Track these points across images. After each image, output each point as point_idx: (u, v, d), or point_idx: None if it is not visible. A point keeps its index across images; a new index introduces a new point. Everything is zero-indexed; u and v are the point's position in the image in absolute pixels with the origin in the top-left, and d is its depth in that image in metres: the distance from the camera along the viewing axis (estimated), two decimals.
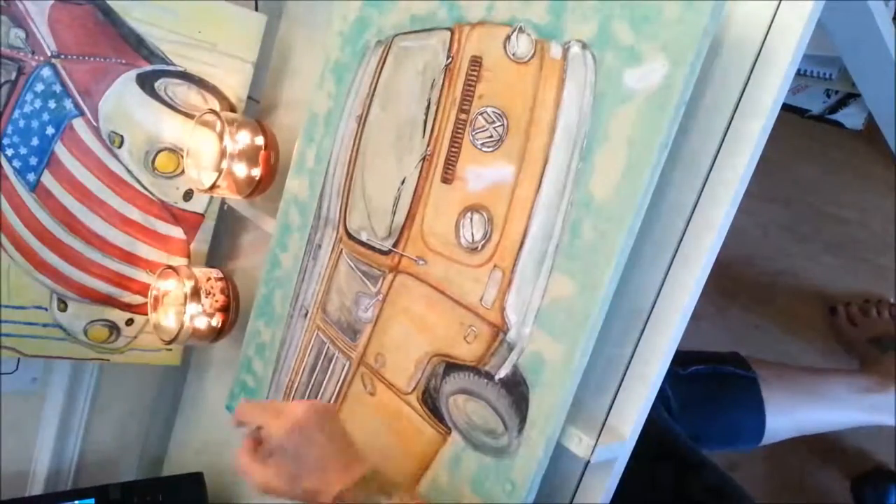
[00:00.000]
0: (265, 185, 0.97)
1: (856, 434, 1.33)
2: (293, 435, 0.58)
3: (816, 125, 1.30)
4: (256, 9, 1.02)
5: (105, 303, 1.02)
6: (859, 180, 1.34)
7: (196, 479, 1.11)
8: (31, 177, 0.92)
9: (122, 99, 0.94)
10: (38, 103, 0.89)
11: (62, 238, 0.96)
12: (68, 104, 0.91)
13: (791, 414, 1.13)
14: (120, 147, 0.96)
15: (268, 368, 0.89)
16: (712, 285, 0.60)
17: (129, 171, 0.98)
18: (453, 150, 0.69)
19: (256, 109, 1.07)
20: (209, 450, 1.16)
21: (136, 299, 1.04)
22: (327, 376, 0.81)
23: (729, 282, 1.41)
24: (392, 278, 0.74)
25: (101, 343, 1.04)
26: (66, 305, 0.99)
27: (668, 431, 0.85)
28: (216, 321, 1.00)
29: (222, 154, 0.92)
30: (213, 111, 0.95)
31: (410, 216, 0.73)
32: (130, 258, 1.02)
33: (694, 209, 0.59)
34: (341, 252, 0.80)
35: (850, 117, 1.25)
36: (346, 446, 0.60)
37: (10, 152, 0.89)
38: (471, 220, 0.67)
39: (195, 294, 0.97)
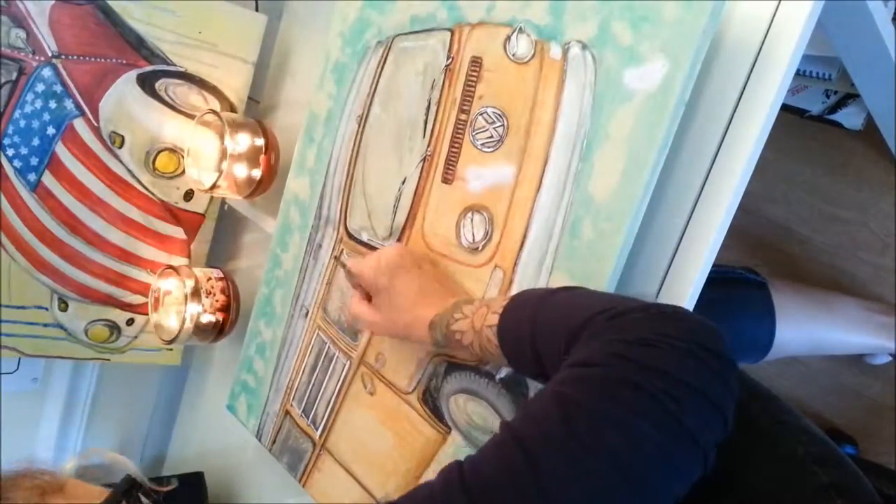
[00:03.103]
0: (265, 186, 0.97)
1: (816, 400, 1.34)
2: (386, 268, 0.64)
3: (816, 125, 1.30)
4: (257, 9, 1.03)
5: (105, 303, 1.02)
6: (859, 180, 1.34)
7: (196, 479, 1.11)
8: (32, 177, 0.92)
9: (123, 99, 0.94)
10: (38, 103, 0.89)
11: (63, 238, 0.96)
12: (69, 104, 0.91)
13: (802, 325, 1.08)
14: (120, 147, 0.96)
15: (268, 368, 0.89)
16: None
17: (129, 172, 0.98)
18: (454, 150, 0.69)
19: (256, 110, 1.07)
20: (209, 450, 1.16)
21: (137, 299, 1.04)
22: (328, 376, 0.81)
23: None
24: None
25: (102, 343, 1.04)
26: (66, 305, 0.99)
27: None
28: (217, 321, 1.00)
29: (223, 154, 0.92)
30: (213, 111, 0.95)
31: (411, 216, 0.73)
32: (131, 258, 1.02)
33: (693, 209, 0.59)
34: (342, 252, 0.80)
35: (850, 117, 1.25)
36: (435, 281, 0.65)
37: (10, 152, 0.90)
38: (471, 220, 0.67)
39: (195, 294, 0.97)
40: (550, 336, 0.48)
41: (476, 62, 0.68)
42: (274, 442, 0.88)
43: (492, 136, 0.66)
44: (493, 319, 0.53)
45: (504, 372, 0.64)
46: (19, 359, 1.01)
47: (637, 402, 0.37)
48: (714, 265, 0.59)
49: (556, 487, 0.36)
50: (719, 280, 0.94)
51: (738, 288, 1.06)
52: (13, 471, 0.61)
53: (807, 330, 1.10)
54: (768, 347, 1.04)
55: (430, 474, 0.70)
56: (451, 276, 0.67)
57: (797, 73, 1.13)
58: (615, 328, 0.43)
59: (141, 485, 0.65)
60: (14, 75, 0.87)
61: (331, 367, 0.81)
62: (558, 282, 0.60)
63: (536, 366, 0.50)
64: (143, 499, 0.64)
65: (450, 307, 0.59)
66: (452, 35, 0.70)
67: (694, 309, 0.58)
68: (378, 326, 0.66)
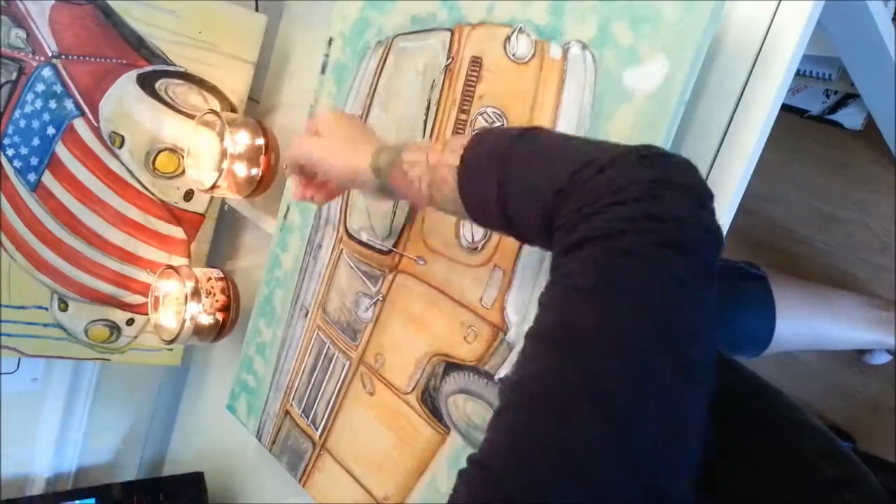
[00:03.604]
0: (265, 185, 0.97)
1: (816, 400, 1.34)
2: (335, 116, 0.64)
3: (816, 125, 1.30)
4: (257, 9, 1.02)
5: (106, 303, 1.02)
6: (859, 180, 1.34)
7: (196, 479, 1.11)
8: (32, 177, 0.92)
9: (123, 99, 0.94)
10: (38, 103, 0.89)
11: (63, 238, 0.96)
12: (69, 104, 0.91)
13: (801, 320, 1.08)
14: (120, 147, 0.96)
15: (268, 368, 0.89)
16: None
17: (129, 172, 0.98)
18: None
19: (256, 110, 1.07)
20: (209, 450, 1.16)
21: (137, 299, 1.04)
22: (327, 376, 0.81)
23: None
24: (392, 278, 0.74)
25: (102, 343, 1.04)
26: (66, 305, 0.99)
27: None
28: (217, 321, 1.00)
29: (223, 154, 0.92)
30: (213, 111, 0.95)
31: (411, 216, 0.73)
32: (131, 258, 1.02)
33: None
34: (342, 252, 0.80)
35: (850, 117, 1.25)
36: (370, 128, 0.65)
37: (10, 152, 0.90)
38: None
39: (195, 294, 0.97)
40: (524, 194, 0.46)
41: (476, 62, 0.68)
42: (274, 442, 0.88)
43: None
44: (453, 159, 0.50)
45: (504, 372, 0.64)
46: (19, 359, 1.01)
47: (675, 258, 0.38)
48: None
49: (612, 360, 0.36)
50: (720, 273, 0.94)
51: (738, 281, 1.06)
52: None
53: (806, 324, 1.10)
54: (768, 341, 1.04)
55: (430, 474, 0.70)
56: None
57: (797, 73, 1.13)
58: (610, 187, 0.41)
59: None
60: (14, 75, 0.87)
61: (330, 368, 0.81)
62: None
63: (503, 220, 0.48)
64: None
65: (396, 143, 0.58)
66: (452, 35, 0.70)
67: None
68: (319, 147, 0.62)
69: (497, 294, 0.65)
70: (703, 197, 0.42)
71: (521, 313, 0.63)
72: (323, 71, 0.67)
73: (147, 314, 1.04)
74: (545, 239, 0.46)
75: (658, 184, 0.40)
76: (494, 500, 0.34)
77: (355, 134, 0.62)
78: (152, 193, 1.00)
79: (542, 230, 0.45)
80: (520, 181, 0.46)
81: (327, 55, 0.69)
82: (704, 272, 0.39)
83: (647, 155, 0.43)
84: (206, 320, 0.99)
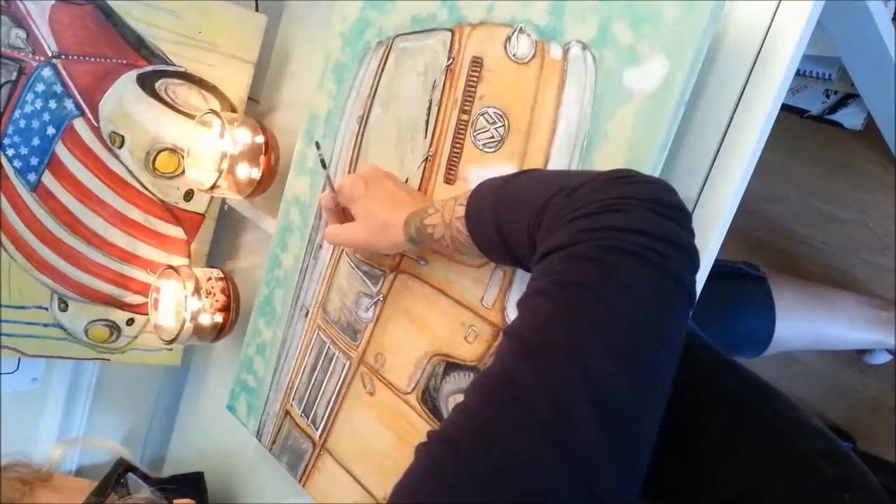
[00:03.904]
0: (265, 185, 0.97)
1: (816, 400, 1.34)
2: (362, 177, 0.68)
3: (816, 125, 1.30)
4: (256, 9, 1.03)
5: (106, 303, 1.02)
6: (859, 180, 1.34)
7: (196, 479, 1.11)
8: (32, 177, 0.92)
9: (123, 99, 0.94)
10: (38, 103, 0.89)
11: (63, 238, 0.96)
12: (69, 104, 0.91)
13: (801, 320, 1.09)
14: (120, 147, 0.96)
15: (268, 368, 0.89)
16: None
17: (129, 172, 0.98)
18: (455, 150, 0.69)
19: (256, 110, 1.07)
20: (209, 450, 1.16)
21: (137, 299, 1.04)
22: (327, 376, 0.81)
23: None
24: (393, 278, 0.74)
25: (102, 343, 1.04)
26: (66, 305, 0.99)
27: (694, 334, 0.83)
28: (217, 321, 1.00)
29: (223, 154, 0.92)
30: (213, 111, 0.95)
31: None
32: (131, 258, 1.02)
33: (694, 209, 0.59)
34: (342, 252, 0.80)
35: (850, 117, 1.25)
36: (409, 189, 0.70)
37: (10, 152, 0.90)
38: None
39: (195, 294, 0.97)
40: (514, 222, 0.50)
41: (477, 62, 0.68)
42: (274, 442, 0.88)
43: (493, 137, 0.66)
44: (460, 211, 0.55)
45: None
46: (19, 359, 1.01)
47: (628, 263, 0.39)
48: (714, 259, 0.59)
49: (573, 362, 0.37)
50: (719, 274, 0.93)
51: (737, 282, 1.06)
52: None
53: (806, 324, 1.11)
54: (768, 342, 1.04)
55: None
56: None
57: (797, 73, 1.13)
58: (575, 205, 0.44)
59: (134, 468, 0.65)
60: (14, 75, 0.87)
61: (331, 367, 0.81)
62: None
63: (506, 251, 0.52)
64: (138, 481, 0.64)
65: (422, 206, 0.62)
66: (453, 35, 0.70)
67: (697, 301, 0.58)
68: (356, 234, 0.68)
69: (498, 294, 0.65)
70: (674, 214, 0.43)
71: None
72: (324, 166, 0.71)
73: (147, 314, 1.04)
74: (531, 257, 0.48)
75: (622, 199, 0.42)
76: (461, 475, 0.36)
77: (384, 214, 0.66)
78: (152, 193, 1.01)
79: (529, 249, 0.48)
80: (508, 215, 0.51)
81: (321, 154, 0.73)
82: (672, 283, 0.40)
83: (620, 176, 0.45)
84: (206, 320, 0.99)
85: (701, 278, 0.59)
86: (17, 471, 0.65)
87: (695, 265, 0.43)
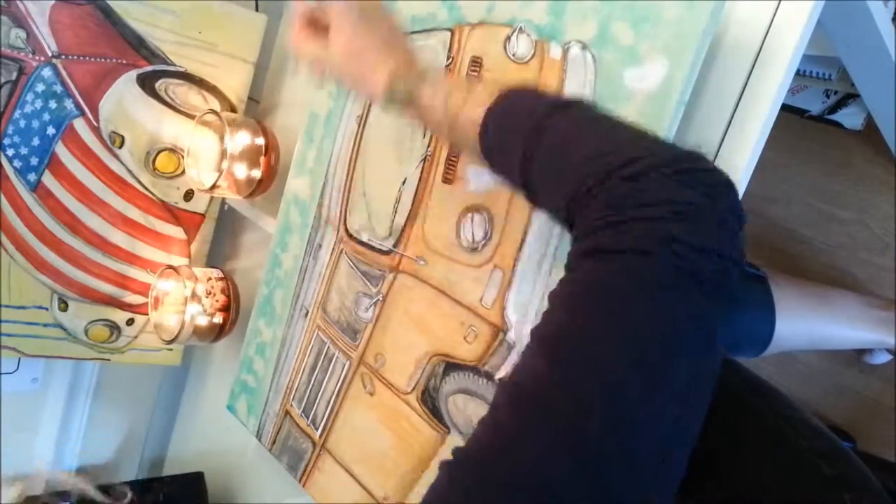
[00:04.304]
0: (265, 185, 0.97)
1: (816, 400, 1.34)
2: (358, 5, 0.55)
3: (816, 125, 1.30)
4: (257, 9, 1.03)
5: (106, 303, 1.02)
6: (859, 180, 1.34)
7: (196, 479, 1.11)
8: (32, 177, 0.92)
9: (123, 99, 0.94)
10: (38, 103, 0.89)
11: (63, 238, 0.96)
12: (69, 104, 0.91)
13: (801, 320, 1.08)
14: (120, 147, 0.96)
15: (268, 368, 0.89)
16: None
17: (129, 172, 0.98)
18: (454, 150, 0.69)
19: (256, 110, 1.07)
20: (209, 450, 1.16)
21: (137, 299, 1.04)
22: (327, 376, 0.81)
23: None
24: (392, 278, 0.74)
25: (102, 343, 1.04)
26: (66, 305, 0.99)
27: None
28: (217, 321, 1.00)
29: (222, 154, 0.92)
30: (213, 111, 0.95)
31: (411, 216, 0.73)
32: (131, 258, 1.02)
33: None
34: (342, 252, 0.80)
35: (850, 117, 1.25)
36: (401, 34, 0.57)
37: (10, 152, 0.90)
38: (471, 220, 0.67)
39: (195, 294, 0.97)
40: (551, 175, 0.44)
41: (476, 62, 0.68)
42: (274, 442, 0.88)
43: None
44: (477, 115, 0.48)
45: (504, 372, 0.64)
46: (19, 359, 1.01)
47: (698, 287, 0.36)
48: None
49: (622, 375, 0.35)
50: None
51: (739, 280, 1.06)
52: None
53: (806, 324, 1.10)
54: (768, 341, 1.04)
55: (430, 474, 0.70)
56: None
57: (797, 73, 1.13)
58: (639, 199, 0.38)
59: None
60: (14, 75, 0.87)
61: (330, 367, 0.81)
62: None
63: (517, 186, 0.47)
64: None
65: (419, 69, 0.55)
66: (452, 35, 0.70)
67: None
68: (329, 54, 0.56)
69: (497, 294, 0.65)
70: (739, 225, 0.40)
71: (521, 313, 0.63)
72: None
73: (147, 314, 1.04)
74: (563, 223, 0.44)
75: (695, 207, 0.38)
76: (483, 491, 0.34)
77: (371, 46, 0.55)
78: (152, 193, 1.00)
79: (562, 216, 0.43)
80: (548, 161, 0.44)
81: None
82: (720, 306, 0.38)
83: (688, 169, 0.40)
84: (205, 320, 0.99)
85: None
86: None
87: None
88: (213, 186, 0.93)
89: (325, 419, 0.81)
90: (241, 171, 0.94)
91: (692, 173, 0.39)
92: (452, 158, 0.69)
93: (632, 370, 0.35)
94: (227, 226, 1.11)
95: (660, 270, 0.36)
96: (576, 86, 0.60)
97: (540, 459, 0.34)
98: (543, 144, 0.44)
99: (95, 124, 0.94)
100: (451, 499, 0.36)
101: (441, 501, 0.36)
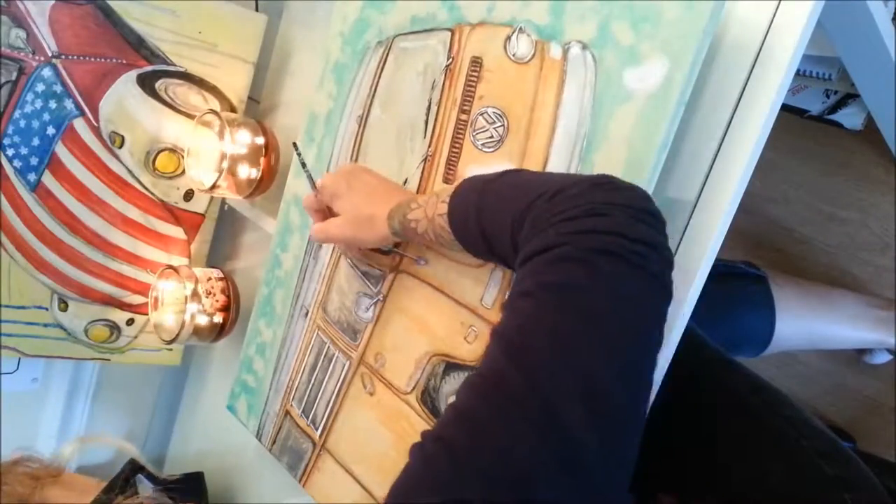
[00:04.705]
0: (265, 185, 0.97)
1: (816, 400, 1.34)
2: (343, 175, 0.69)
3: (816, 125, 1.30)
4: (257, 9, 1.03)
5: (106, 303, 1.02)
6: (859, 180, 1.34)
7: (196, 479, 1.11)
8: (32, 177, 0.92)
9: (123, 99, 0.94)
10: (38, 103, 0.90)
11: (63, 238, 0.96)
12: (69, 104, 0.91)
13: (801, 320, 1.09)
14: (121, 147, 0.96)
15: (268, 368, 0.89)
16: None
17: (129, 172, 0.98)
18: (454, 150, 0.69)
19: (256, 110, 1.07)
20: (209, 450, 1.16)
21: (137, 299, 1.04)
22: (327, 376, 0.81)
23: None
24: (393, 278, 0.74)
25: (102, 343, 1.04)
26: (66, 305, 0.99)
27: (694, 333, 0.83)
28: (217, 321, 1.00)
29: (223, 154, 0.92)
30: (213, 111, 0.95)
31: None
32: (131, 258, 1.02)
33: (694, 209, 0.59)
34: (342, 252, 0.80)
35: (850, 117, 1.25)
36: (389, 182, 0.71)
37: (10, 152, 0.90)
38: None
39: (195, 294, 0.97)
40: (496, 223, 0.51)
41: (476, 62, 0.68)
42: (274, 442, 0.88)
43: (492, 137, 0.66)
44: (443, 208, 0.56)
45: None
46: (19, 359, 1.01)
47: (612, 264, 0.41)
48: (714, 259, 0.59)
49: (565, 366, 0.38)
50: (719, 274, 0.93)
51: (738, 281, 1.06)
52: (9, 458, 0.62)
53: (806, 324, 1.10)
54: (768, 341, 1.04)
55: None
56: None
57: (797, 73, 1.13)
58: (558, 208, 0.45)
59: (143, 468, 0.65)
60: (14, 75, 0.87)
61: (330, 367, 0.81)
62: None
63: (489, 251, 0.53)
64: (146, 482, 0.64)
65: (405, 200, 0.63)
66: (453, 35, 0.70)
67: (694, 305, 0.59)
68: (341, 228, 0.68)
69: (498, 294, 0.65)
70: (651, 220, 0.45)
71: None
72: (304, 167, 0.72)
73: (147, 314, 1.04)
74: (514, 259, 0.49)
75: (605, 204, 0.44)
76: (460, 476, 0.36)
77: (366, 209, 0.66)
78: (152, 193, 1.01)
79: (513, 252, 0.49)
80: (491, 216, 0.52)
81: (300, 155, 0.73)
82: (652, 281, 0.42)
83: (601, 182, 0.46)
84: (205, 320, 0.99)
85: (701, 278, 0.59)
86: (28, 465, 0.65)
87: (671, 265, 0.45)
88: (213, 186, 0.93)
89: (325, 419, 0.81)
90: (241, 171, 0.94)
91: (603, 185, 0.46)
92: (453, 159, 0.69)
93: (592, 353, 0.39)
94: (227, 226, 1.11)
95: (579, 252, 0.41)
96: (576, 86, 0.60)
97: (518, 449, 0.36)
98: (486, 203, 0.52)
99: (95, 124, 0.94)
100: (426, 483, 0.37)
101: (417, 486, 0.37)
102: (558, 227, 0.44)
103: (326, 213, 0.72)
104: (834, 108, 1.26)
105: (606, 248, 0.41)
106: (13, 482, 0.61)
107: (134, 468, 0.65)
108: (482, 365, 0.42)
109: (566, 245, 0.42)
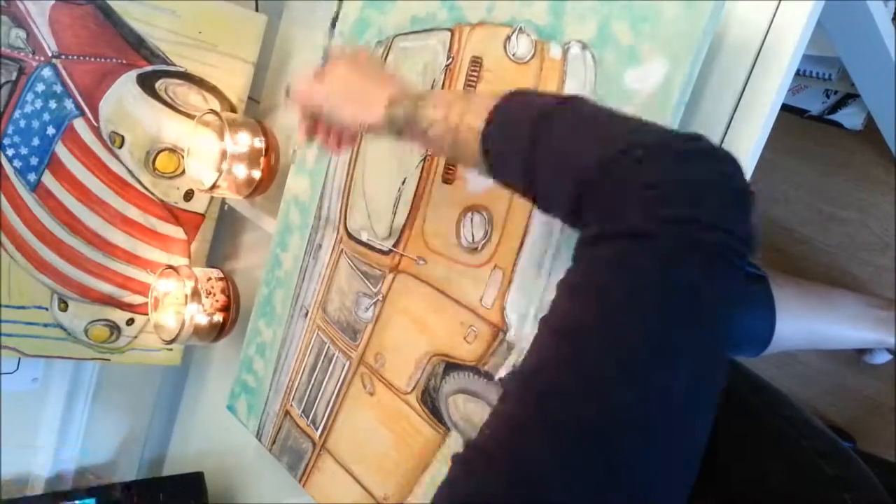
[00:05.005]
0: (265, 185, 0.97)
1: (816, 400, 1.34)
2: (346, 63, 0.60)
3: (816, 125, 1.30)
4: (257, 9, 1.02)
5: (106, 303, 1.02)
6: (859, 180, 1.34)
7: (196, 479, 1.11)
8: (32, 177, 0.92)
9: (123, 99, 0.94)
10: (38, 103, 0.89)
11: (63, 238, 0.96)
12: (69, 104, 0.91)
13: (801, 320, 1.07)
14: (120, 147, 0.96)
15: (268, 368, 0.89)
16: None
17: (129, 172, 0.98)
18: None
19: (256, 110, 1.07)
20: (209, 450, 1.16)
21: (137, 299, 1.04)
22: (327, 376, 0.81)
23: None
24: (392, 278, 0.74)
25: (102, 343, 1.04)
26: (66, 305, 0.99)
27: None
28: (217, 321, 1.00)
29: (223, 154, 0.92)
30: (213, 111, 0.95)
31: (411, 216, 0.73)
32: (131, 258, 1.02)
33: None
34: (342, 252, 0.80)
35: (850, 117, 1.25)
36: (392, 73, 0.61)
37: (10, 152, 0.90)
38: (471, 220, 0.67)
39: (195, 294, 0.97)
40: (554, 172, 0.43)
41: (476, 62, 0.68)
42: (274, 442, 0.88)
43: None
44: (477, 122, 0.48)
45: (503, 372, 0.64)
46: (19, 359, 1.01)
47: (713, 263, 0.36)
48: None
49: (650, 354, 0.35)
50: None
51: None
52: None
53: (806, 323, 1.10)
54: (768, 341, 1.04)
55: (430, 474, 0.70)
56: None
57: (797, 73, 1.12)
58: (647, 179, 0.38)
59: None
60: (14, 75, 0.87)
61: (330, 367, 0.81)
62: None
63: (526, 187, 0.46)
64: None
65: (416, 92, 0.56)
66: (452, 35, 0.70)
67: None
68: (330, 97, 0.60)
69: (497, 294, 0.65)
70: (747, 202, 0.39)
71: (520, 313, 0.63)
72: (333, 26, 0.67)
73: (147, 314, 1.04)
74: (569, 218, 0.44)
75: (700, 185, 0.38)
76: (492, 485, 0.34)
77: (367, 82, 0.59)
78: (152, 193, 1.01)
79: (567, 210, 0.43)
80: (548, 160, 0.44)
81: (337, 13, 0.68)
82: (731, 283, 0.37)
83: (693, 150, 0.39)
84: (205, 320, 0.99)
85: None
86: None
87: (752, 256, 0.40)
88: (213, 186, 0.93)
89: (325, 419, 0.81)
90: (241, 171, 0.94)
91: (697, 153, 0.39)
92: None
93: (627, 362, 0.34)
94: (227, 226, 1.11)
95: (663, 250, 0.36)
96: (576, 86, 0.60)
97: (546, 450, 0.33)
98: (544, 142, 0.44)
99: (95, 124, 0.94)
100: (462, 492, 0.35)
101: (453, 495, 0.36)
102: (648, 207, 0.37)
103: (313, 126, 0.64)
104: (834, 108, 1.26)
105: (707, 245, 0.36)
106: None
107: None
108: (530, 360, 0.38)
109: (660, 237, 0.36)
